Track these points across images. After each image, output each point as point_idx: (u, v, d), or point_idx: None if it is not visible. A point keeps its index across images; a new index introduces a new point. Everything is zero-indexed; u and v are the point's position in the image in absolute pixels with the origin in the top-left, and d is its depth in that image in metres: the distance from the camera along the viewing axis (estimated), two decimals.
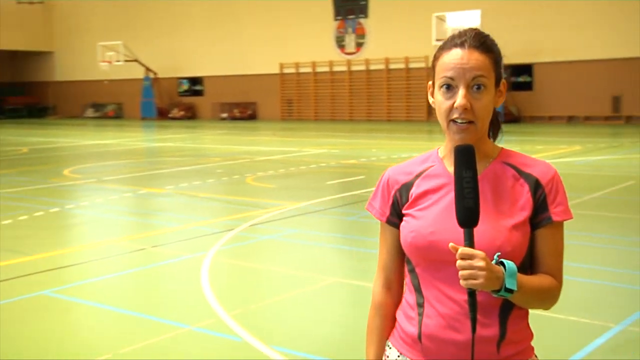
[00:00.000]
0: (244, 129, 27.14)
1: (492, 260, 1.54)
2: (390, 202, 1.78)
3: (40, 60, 41.22)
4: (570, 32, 25.32)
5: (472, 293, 1.53)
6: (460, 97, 1.62)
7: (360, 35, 30.67)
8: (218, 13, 34.17)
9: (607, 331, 4.46)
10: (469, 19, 25.64)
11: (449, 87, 1.64)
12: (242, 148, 18.33)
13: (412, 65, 29.21)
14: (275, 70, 32.89)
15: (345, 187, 11.06)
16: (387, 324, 1.83)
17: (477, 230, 1.57)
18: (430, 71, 1.72)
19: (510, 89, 26.88)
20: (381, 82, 30.17)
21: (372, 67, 30.37)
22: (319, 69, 31.86)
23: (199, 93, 35.87)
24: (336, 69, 31.44)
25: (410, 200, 1.74)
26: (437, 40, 26.18)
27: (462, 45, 1.64)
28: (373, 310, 1.85)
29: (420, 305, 1.70)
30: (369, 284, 5.64)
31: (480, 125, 1.64)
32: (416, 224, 1.69)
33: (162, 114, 35.37)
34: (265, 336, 4.49)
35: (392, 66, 29.80)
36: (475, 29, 1.70)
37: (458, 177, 1.55)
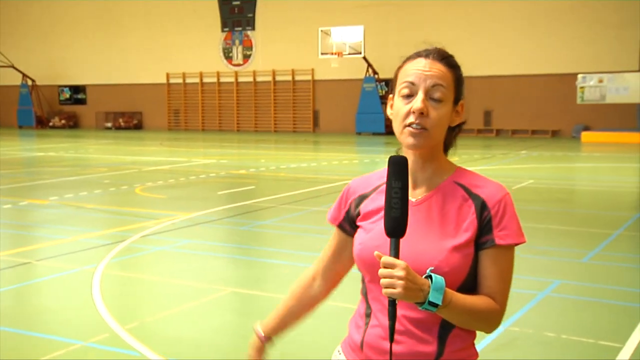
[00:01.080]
0: (130, 138, 26.48)
1: (424, 274, 1.55)
2: (345, 209, 1.82)
3: None
4: (446, 48, 26.60)
5: (392, 302, 1.52)
6: (418, 101, 1.63)
7: (248, 47, 30.80)
8: (101, 20, 33.19)
9: (495, 333, 4.81)
10: (353, 35, 26.43)
11: (409, 95, 1.65)
12: (129, 158, 17.92)
13: (298, 78, 29.67)
14: (162, 80, 32.36)
15: (236, 197, 11.13)
16: (295, 303, 1.93)
17: (417, 249, 1.61)
18: (392, 82, 1.74)
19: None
20: (268, 93, 30.41)
21: (259, 79, 30.57)
22: (206, 80, 31.67)
23: (81, 102, 34.62)
24: (223, 80, 31.38)
25: (362, 213, 1.76)
26: (322, 53, 26.80)
27: (426, 56, 1.68)
28: (290, 289, 1.93)
29: (368, 315, 1.75)
30: (265, 293, 5.80)
31: (433, 134, 1.65)
32: (365, 237, 1.73)
33: (42, 123, 33.84)
34: (164, 349, 4.50)
35: (278, 78, 30.12)
36: (441, 48, 1.73)
37: (388, 186, 1.55)
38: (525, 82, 25.50)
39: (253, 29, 30.55)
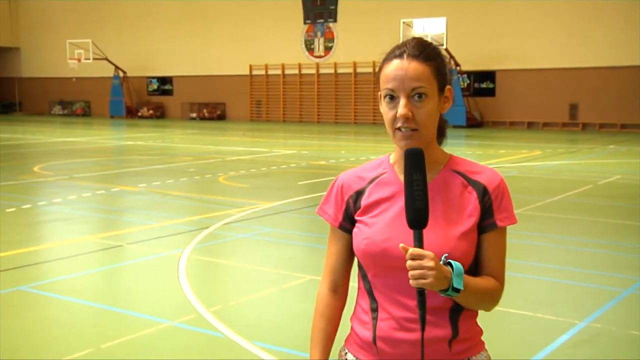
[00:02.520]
0: (214, 129, 27.19)
1: (440, 261, 1.58)
2: (343, 207, 1.81)
3: (5, 56, 40.60)
4: (530, 41, 25.97)
5: (421, 292, 1.56)
6: (401, 107, 1.65)
7: (329, 39, 30.96)
8: (187, 13, 34.13)
9: (572, 327, 4.76)
10: (435, 26, 26.13)
11: (392, 98, 1.68)
12: (212, 148, 18.43)
13: None
14: (245, 71, 32.99)
15: (316, 188, 11.29)
16: (332, 327, 1.87)
17: (426, 239, 1.61)
18: (376, 81, 1.75)
19: (473, 94, 27.46)
20: (349, 85, 30.49)
21: (340, 71, 30.68)
22: (287, 71, 32.05)
23: (168, 92, 35.76)
24: (305, 71, 31.67)
25: (362, 207, 1.77)
26: None
27: (400, 56, 1.67)
28: (318, 312, 1.89)
29: (374, 310, 1.75)
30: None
31: (424, 132, 1.68)
32: (369, 232, 1.73)
33: (131, 113, 35.19)
34: (246, 332, 4.69)
35: (359, 70, 30.14)
36: (418, 39, 1.73)
37: (408, 180, 1.57)
38: (612, 74, 24.54)
39: (335, 20, 30.68)
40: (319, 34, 31.21)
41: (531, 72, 26.24)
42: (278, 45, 31.79)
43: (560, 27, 25.34)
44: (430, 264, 1.52)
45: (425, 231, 1.60)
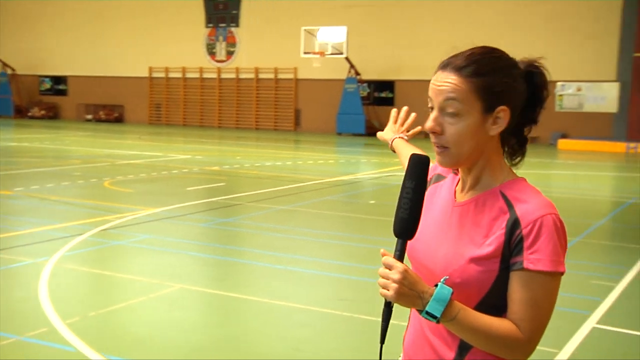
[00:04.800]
0: (109, 131, 26.30)
1: (438, 279, 1.50)
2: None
3: None
4: (428, 52, 26.67)
5: (387, 303, 1.48)
6: (429, 120, 1.58)
7: (231, 43, 30.69)
8: (85, 12, 32.94)
9: None
10: (336, 35, 26.42)
11: (432, 108, 1.59)
12: (105, 151, 17.78)
13: (281, 76, 29.61)
14: (144, 73, 32.17)
15: (205, 194, 11.06)
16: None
17: (439, 252, 1.56)
18: None
19: (373, 103, 27.93)
20: (251, 90, 30.32)
21: (242, 76, 30.46)
22: (188, 75, 31.52)
23: (62, 92, 34.32)
24: (206, 75, 31.24)
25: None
26: (305, 53, 26.74)
27: (444, 67, 1.58)
28: None
29: (410, 317, 1.74)
30: (217, 290, 5.76)
31: (455, 152, 1.55)
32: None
33: (20, 113, 33.51)
34: (101, 345, 4.45)
35: (261, 76, 30.04)
36: (479, 48, 1.60)
37: (402, 185, 1.50)
38: None
39: (237, 25, 30.44)
40: (221, 38, 30.87)
41: (429, 82, 26.85)
42: (179, 48, 31.21)
43: (458, 39, 26.04)
44: (395, 276, 1.43)
45: (443, 243, 1.57)
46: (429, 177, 1.73)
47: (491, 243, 1.51)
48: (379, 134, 2.42)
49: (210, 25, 30.94)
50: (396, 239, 1.50)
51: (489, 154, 1.58)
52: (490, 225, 1.53)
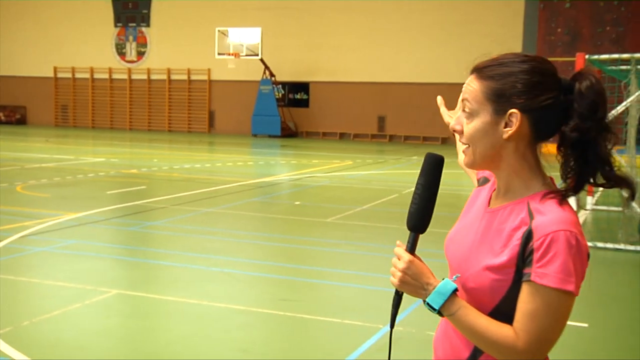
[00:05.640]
0: (12, 133, 25.13)
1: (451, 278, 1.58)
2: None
3: None
4: (343, 55, 27.11)
5: (397, 291, 1.60)
6: (453, 118, 1.67)
7: (142, 44, 30.01)
8: None
9: (377, 332, 4.93)
10: (250, 36, 26.37)
11: None
12: (10, 154, 16.98)
13: (194, 77, 29.23)
14: (49, 73, 30.96)
15: (126, 197, 10.80)
16: None
17: (462, 256, 1.62)
18: None
19: (288, 105, 28.05)
20: (163, 92, 29.76)
21: (154, 77, 29.86)
22: (97, 75, 30.58)
23: None
24: (116, 76, 30.42)
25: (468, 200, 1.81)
26: (219, 54, 26.54)
27: (472, 69, 1.64)
28: None
29: None
30: (152, 294, 5.66)
31: (473, 150, 1.59)
32: (452, 229, 1.76)
33: None
34: (41, 354, 4.30)
35: (174, 77, 29.55)
36: (507, 54, 1.61)
37: (417, 181, 1.60)
38: (417, 90, 26.33)
39: (148, 25, 29.81)
40: (130, 38, 30.13)
41: (343, 85, 27.35)
42: (86, 47, 30.24)
43: (372, 43, 26.69)
44: (402, 265, 1.56)
45: (469, 247, 1.61)
46: (478, 177, 1.84)
47: (507, 253, 1.52)
48: (445, 118, 2.20)
49: (120, 24, 30.14)
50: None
51: (512, 160, 1.58)
52: (510, 236, 1.54)
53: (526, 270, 1.49)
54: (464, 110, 1.61)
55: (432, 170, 1.58)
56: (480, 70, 1.60)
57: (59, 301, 5.47)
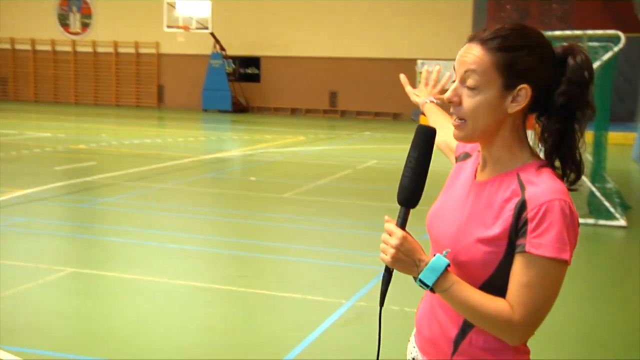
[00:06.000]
0: None
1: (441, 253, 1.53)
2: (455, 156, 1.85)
3: None
4: (294, 29, 26.87)
5: (387, 268, 1.54)
6: (449, 90, 1.57)
7: (86, 15, 29.09)
8: None
9: (340, 307, 4.93)
10: (200, 9, 25.84)
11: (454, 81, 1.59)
12: None
13: (142, 51, 28.54)
14: None
15: (76, 173, 10.50)
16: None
17: (450, 230, 1.59)
18: None
19: (239, 79, 27.72)
20: (109, 65, 28.98)
21: (100, 50, 29.03)
22: (39, 47, 29.55)
23: None
24: (59, 48, 29.45)
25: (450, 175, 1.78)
26: (168, 26, 25.96)
27: (472, 39, 1.56)
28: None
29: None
30: (109, 272, 5.53)
31: (472, 125, 1.54)
32: (434, 205, 1.73)
33: None
34: None
35: (121, 50, 28.79)
36: (512, 24, 1.55)
37: (408, 154, 1.54)
38: (369, 65, 26.33)
39: None
40: (74, 8, 29.16)
41: (295, 59, 27.14)
42: (26, 17, 29.14)
43: (323, 18, 26.50)
44: (394, 242, 1.49)
45: (458, 220, 1.58)
46: (457, 154, 1.81)
47: (499, 225, 1.50)
48: (408, 89, 2.28)
49: None
50: (399, 206, 1.55)
51: (507, 133, 1.56)
52: (501, 207, 1.52)
53: (520, 242, 1.47)
54: (463, 82, 1.54)
55: (425, 143, 1.53)
56: (488, 42, 1.52)
57: (11, 281, 5.28)
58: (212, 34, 26.12)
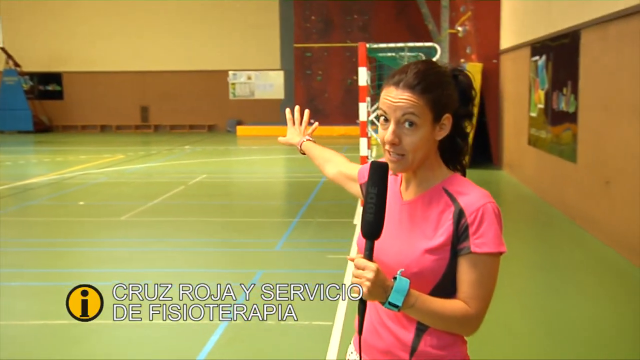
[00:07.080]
0: None
1: (397, 271, 1.65)
2: (361, 183, 2.03)
3: None
4: (98, 43, 25.78)
5: (362, 300, 1.64)
6: (388, 133, 1.71)
7: None
8: None
9: (218, 328, 4.87)
10: None
11: (386, 120, 1.73)
12: None
13: None
14: None
15: None
16: (326, 153, 2.29)
17: (392, 248, 1.73)
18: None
19: (38, 97, 25.99)
20: None
21: None
22: None
23: None
24: None
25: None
26: None
27: (397, 84, 1.71)
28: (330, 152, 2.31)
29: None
30: None
31: (411, 158, 1.72)
32: None
33: None
34: None
35: None
36: (423, 65, 1.74)
37: (366, 190, 1.65)
38: (180, 78, 25.97)
39: None
40: None
41: (100, 74, 26.00)
42: None
43: (129, 31, 25.68)
44: (369, 275, 1.58)
45: (397, 239, 1.73)
46: (364, 180, 1.98)
47: (442, 234, 1.70)
48: (280, 139, 2.45)
49: None
50: (365, 240, 1.66)
51: (432, 156, 1.79)
52: (438, 219, 1.72)
53: (462, 245, 1.69)
54: (399, 124, 1.71)
55: (382, 179, 1.64)
56: (416, 87, 1.70)
57: None
58: (2, 49, 24.24)
